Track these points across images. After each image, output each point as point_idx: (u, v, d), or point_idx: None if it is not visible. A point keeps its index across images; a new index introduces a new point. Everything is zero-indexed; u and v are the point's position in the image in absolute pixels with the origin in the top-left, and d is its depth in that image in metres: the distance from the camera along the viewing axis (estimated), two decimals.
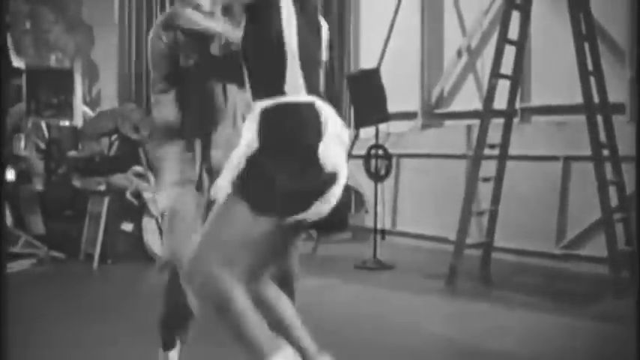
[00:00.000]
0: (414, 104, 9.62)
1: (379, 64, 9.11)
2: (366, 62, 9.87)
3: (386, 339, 5.20)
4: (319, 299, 6.58)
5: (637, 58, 6.96)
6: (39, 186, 9.48)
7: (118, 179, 8.42)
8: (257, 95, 2.77)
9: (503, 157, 7.29)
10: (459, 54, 9.28)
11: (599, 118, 6.68)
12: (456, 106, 9.40)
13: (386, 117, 8.28)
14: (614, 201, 6.67)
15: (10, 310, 6.31)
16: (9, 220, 8.97)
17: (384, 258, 8.04)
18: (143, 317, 4.28)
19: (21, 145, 10.66)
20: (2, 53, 6.79)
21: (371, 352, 4.90)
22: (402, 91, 9.16)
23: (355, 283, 7.31)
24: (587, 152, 6.64)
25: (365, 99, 8.39)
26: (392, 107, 8.27)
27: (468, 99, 9.09)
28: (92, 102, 14.83)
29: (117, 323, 5.36)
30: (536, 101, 8.34)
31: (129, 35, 13.55)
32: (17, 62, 13.93)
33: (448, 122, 9.49)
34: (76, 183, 9.01)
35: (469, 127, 8.63)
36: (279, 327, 3.06)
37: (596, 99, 6.74)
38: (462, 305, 6.30)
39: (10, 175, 9.77)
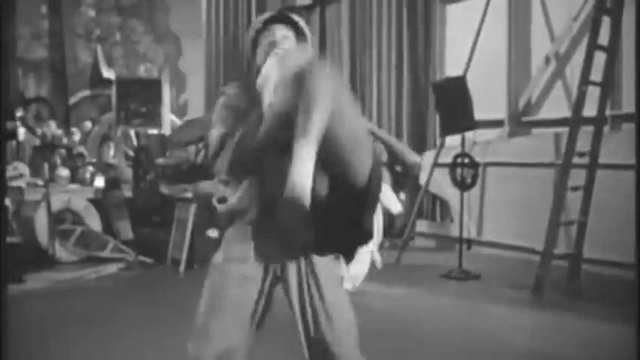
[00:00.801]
0: (500, 112, 9.49)
1: (465, 71, 9.01)
2: (452, 70, 9.77)
3: (469, 349, 5.13)
4: (404, 308, 6.54)
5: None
6: (128, 192, 9.68)
7: (205, 186, 8.51)
8: None
9: (592, 166, 7.12)
10: (547, 60, 9.11)
11: None
12: (544, 113, 9.23)
13: (472, 125, 8.19)
14: None
15: (98, 312, 6.46)
16: (99, 225, 9.19)
17: (469, 268, 7.93)
18: None
19: (110, 153, 10.91)
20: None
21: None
22: (488, 99, 9.04)
23: (440, 292, 7.23)
24: None
25: (451, 107, 8.31)
26: (478, 115, 8.17)
27: (557, 106, 8.92)
28: (179, 111, 15.11)
29: None
30: (627, 108, 8.11)
31: (216, 46, 13.74)
32: (107, 73, 14.28)
33: (536, 130, 9.32)
34: (164, 190, 9.17)
35: (557, 135, 8.45)
36: None
37: None
38: (548, 317, 6.16)
39: (100, 182, 10.02)
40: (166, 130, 11.14)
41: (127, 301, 6.94)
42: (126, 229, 9.38)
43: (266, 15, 3.09)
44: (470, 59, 9.22)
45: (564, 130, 7.48)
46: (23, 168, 9.25)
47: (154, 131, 11.00)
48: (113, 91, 10.78)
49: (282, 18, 3.09)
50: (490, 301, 6.69)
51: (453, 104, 8.26)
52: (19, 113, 11.52)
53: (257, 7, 13.10)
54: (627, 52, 7.86)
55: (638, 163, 5.79)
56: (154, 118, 10.42)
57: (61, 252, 8.78)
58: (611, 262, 7.76)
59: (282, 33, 3.06)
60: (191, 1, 14.88)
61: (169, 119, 10.69)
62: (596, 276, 7.64)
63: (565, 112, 8.34)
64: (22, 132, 9.48)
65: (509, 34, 9.44)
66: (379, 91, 11.47)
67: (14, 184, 8.96)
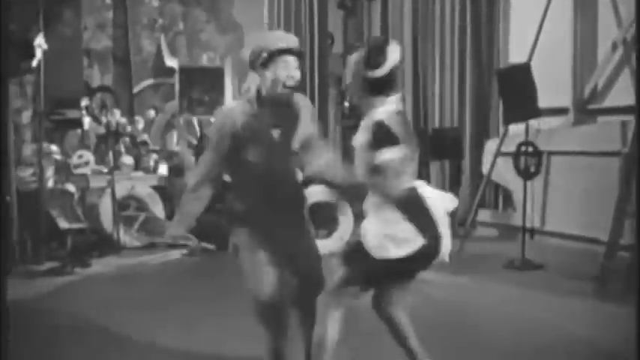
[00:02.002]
0: (565, 99, 9.32)
1: (530, 58, 8.87)
2: (517, 57, 9.64)
3: (530, 339, 5.08)
4: (465, 297, 6.49)
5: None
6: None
7: None
8: None
9: None
10: (614, 47, 8.91)
11: None
12: (611, 101, 9.03)
13: (536, 113, 8.07)
14: None
15: (161, 296, 6.53)
16: (162, 212, 9.30)
17: (532, 257, 7.82)
18: None
19: (173, 141, 11.03)
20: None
21: (514, 351, 4.79)
22: (553, 86, 8.88)
23: (502, 282, 7.15)
24: None
25: (515, 94, 8.20)
26: (542, 103, 8.04)
27: (623, 94, 8.71)
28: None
29: None
30: None
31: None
32: (170, 62, 14.43)
33: (602, 118, 9.14)
34: (227, 177, 9.22)
35: (624, 123, 8.26)
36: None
37: None
38: (611, 308, 6.04)
39: (163, 169, 10.14)
40: None
41: (189, 286, 7.01)
42: None
43: (283, 44, 3.58)
44: (534, 46, 9.06)
45: (631, 118, 7.33)
46: (88, 155, 9.40)
47: None
48: (176, 80, 10.88)
49: (298, 53, 3.64)
50: (552, 292, 6.59)
51: (517, 92, 8.15)
52: (84, 102, 11.71)
53: None
54: None
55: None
56: (217, 106, 10.47)
57: (125, 238, 8.92)
58: None
59: (295, 65, 3.61)
60: None
61: None
62: None
63: (632, 99, 8.14)
64: (87, 121, 9.63)
65: (574, 19, 9.27)
66: (442, 79, 11.37)
67: (80, 171, 9.10)
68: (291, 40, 3.67)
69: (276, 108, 3.63)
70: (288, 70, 3.56)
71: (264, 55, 3.54)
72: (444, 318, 5.78)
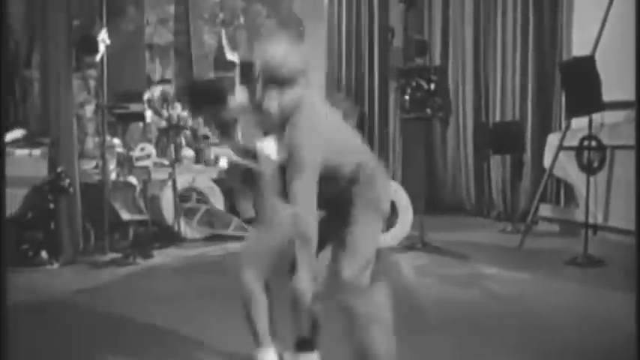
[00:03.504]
0: (630, 92, 9.09)
1: (594, 50, 8.71)
2: (580, 49, 9.47)
3: (590, 338, 5.00)
4: (526, 293, 6.42)
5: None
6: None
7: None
8: None
9: None
10: None
11: None
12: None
13: (600, 106, 7.92)
14: None
15: (221, 287, 6.58)
16: (222, 204, 9.39)
17: (594, 254, 7.69)
18: None
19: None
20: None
21: (575, 348, 4.73)
22: (617, 79, 8.70)
23: (563, 278, 7.06)
24: None
25: (578, 88, 8.07)
26: (606, 96, 7.89)
27: None
28: None
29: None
30: None
31: (338, 29, 13.76)
32: (231, 56, 14.51)
33: None
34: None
35: None
36: None
37: None
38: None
39: (223, 162, 10.20)
40: None
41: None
42: (248, 208, 9.54)
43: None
44: (598, 38, 8.90)
45: None
46: (150, 148, 9.52)
47: None
48: (237, 74, 10.94)
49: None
50: (614, 289, 6.47)
51: (580, 85, 8.01)
52: (146, 96, 11.85)
53: None
54: None
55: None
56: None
57: (186, 229, 9.02)
58: None
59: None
60: None
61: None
62: None
63: None
64: (148, 114, 9.74)
65: (638, 11, 9.06)
66: (504, 72, 11.26)
67: (141, 164, 9.22)
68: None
69: None
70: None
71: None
72: (504, 313, 5.73)
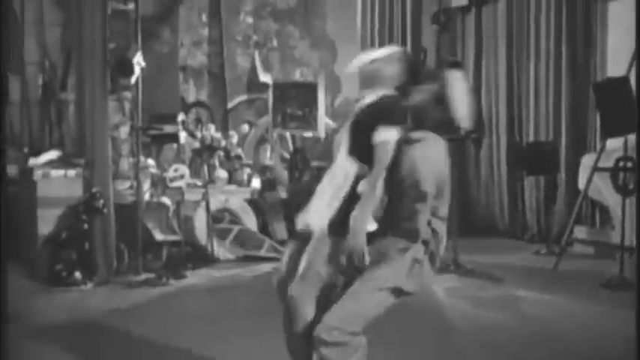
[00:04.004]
0: None
1: (628, 71, 8.64)
2: (615, 70, 9.40)
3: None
4: (561, 316, 6.36)
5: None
6: (283, 194, 9.86)
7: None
8: None
9: None
10: None
11: None
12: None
13: (635, 127, 7.85)
14: None
15: (253, 308, 6.58)
16: (255, 225, 9.42)
17: (630, 277, 7.59)
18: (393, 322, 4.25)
19: (267, 155, 11.15)
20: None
21: None
22: None
23: (599, 301, 6.98)
24: None
25: (613, 108, 8.01)
26: None
27: None
28: (334, 114, 15.24)
29: None
30: None
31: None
32: (264, 77, 14.59)
33: None
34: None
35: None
36: None
37: None
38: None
39: (256, 183, 10.25)
40: (321, 133, 11.27)
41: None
42: (281, 230, 9.57)
43: None
44: (633, 58, 8.84)
45: None
46: (183, 169, 9.58)
47: (309, 134, 11.14)
48: (270, 95, 11.00)
49: None
50: None
51: (615, 105, 7.95)
52: (180, 117, 11.93)
53: (412, 11, 13.06)
54: None
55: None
56: (310, 122, 10.53)
57: (219, 250, 9.04)
58: None
59: None
60: (347, 7, 14.98)
61: (324, 122, 10.80)
62: None
63: None
64: (182, 135, 9.81)
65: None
66: (537, 92, 11.20)
67: (175, 184, 9.28)
68: None
69: None
70: None
71: None
72: (537, 337, 5.67)
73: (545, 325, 6.05)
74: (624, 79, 8.13)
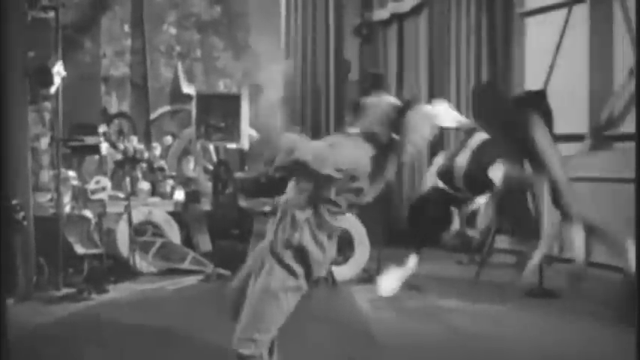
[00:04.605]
0: (582, 126, 9.30)
1: (546, 84, 8.87)
2: (532, 83, 9.63)
3: None
4: (483, 325, 6.45)
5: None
6: (207, 206, 9.80)
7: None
8: None
9: None
10: (631, 73, 8.90)
11: None
12: (628, 127, 9.00)
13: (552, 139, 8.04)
14: None
15: (177, 322, 6.53)
16: (178, 238, 9.33)
17: (550, 285, 7.76)
18: (313, 334, 4.28)
19: (190, 167, 11.07)
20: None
21: None
22: (569, 113, 8.87)
23: (521, 310, 7.11)
24: None
25: None
26: (559, 129, 8.02)
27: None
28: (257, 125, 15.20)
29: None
30: None
31: (294, 60, 13.84)
32: (187, 89, 14.50)
33: (618, 144, 9.11)
34: (243, 203, 9.25)
35: None
36: None
37: None
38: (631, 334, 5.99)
39: (180, 195, 10.16)
40: (245, 145, 11.25)
41: (205, 312, 7.00)
42: (205, 242, 9.50)
43: None
44: (550, 72, 9.08)
45: None
46: (105, 181, 9.43)
47: (232, 145, 11.11)
48: (193, 107, 10.94)
49: None
50: (572, 320, 6.54)
51: None
52: (101, 129, 11.76)
53: (335, 24, 13.15)
54: None
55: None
56: (233, 133, 10.51)
57: (142, 263, 8.92)
58: None
59: None
60: (271, 19, 15.01)
61: (248, 133, 10.79)
62: None
63: None
64: (104, 147, 9.68)
65: (590, 46, 9.26)
66: (458, 105, 11.37)
67: (97, 197, 9.13)
68: None
69: None
70: None
71: None
72: (459, 345, 5.75)
73: (467, 334, 6.13)
74: (541, 93, 8.33)
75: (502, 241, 10.19)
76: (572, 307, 7.10)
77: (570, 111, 9.00)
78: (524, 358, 5.36)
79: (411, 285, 8.15)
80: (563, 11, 9.24)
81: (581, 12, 9.20)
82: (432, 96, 11.85)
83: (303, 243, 3.56)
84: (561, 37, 9.13)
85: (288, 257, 3.57)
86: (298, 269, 3.59)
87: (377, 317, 6.82)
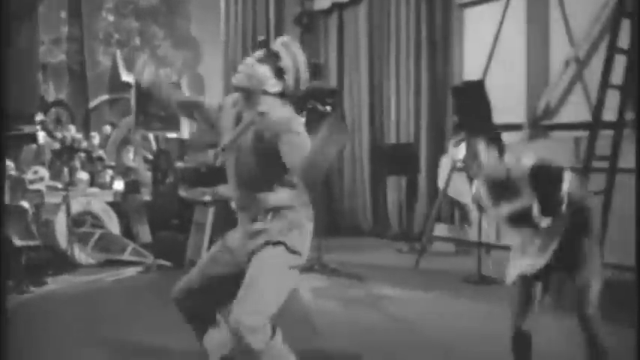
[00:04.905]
0: (519, 116, 9.45)
1: (484, 75, 8.98)
2: (471, 74, 9.74)
3: (491, 353, 5.11)
4: (423, 313, 6.52)
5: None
6: (147, 196, 9.72)
7: (224, 190, 8.54)
8: None
9: (612, 170, 7.07)
10: (567, 64, 9.08)
11: None
12: (564, 117, 9.18)
13: (491, 129, 8.14)
14: None
15: (116, 314, 6.48)
16: (118, 228, 9.24)
17: (488, 272, 7.89)
18: None
19: (129, 157, 10.97)
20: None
21: None
22: (507, 103, 9.00)
23: (459, 297, 7.20)
24: None
25: (469, 111, 8.27)
26: (497, 119, 8.14)
27: (576, 110, 8.87)
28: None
29: None
30: None
31: (234, 50, 13.79)
32: (126, 77, 14.35)
33: (555, 134, 9.28)
34: (183, 193, 9.21)
35: (577, 139, 8.39)
36: None
37: None
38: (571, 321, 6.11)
39: (119, 185, 10.06)
40: (185, 134, 11.18)
41: (145, 303, 6.95)
42: (145, 233, 9.42)
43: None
44: (488, 63, 9.19)
45: (584, 134, 7.44)
46: (43, 171, 9.30)
47: (173, 135, 11.04)
48: (132, 95, 10.83)
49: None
50: (507, 305, 6.64)
51: (472, 108, 8.23)
52: (39, 117, 11.58)
53: (275, 13, 13.14)
54: None
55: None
56: (173, 122, 10.44)
57: (81, 255, 8.82)
58: (629, 267, 7.72)
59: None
60: (211, 8, 14.92)
61: (188, 123, 10.73)
62: (613, 281, 7.62)
63: (585, 115, 8.29)
64: (42, 136, 9.54)
65: (527, 37, 9.40)
66: (398, 95, 11.46)
67: (34, 187, 9.00)
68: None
69: None
70: None
71: None
72: (401, 333, 5.80)
73: (407, 322, 6.20)
74: (480, 83, 8.44)
75: (441, 229, 10.32)
76: (507, 294, 7.21)
77: (508, 101, 9.14)
78: (459, 343, 5.42)
79: (352, 274, 8.22)
80: (502, 2, 9.34)
81: (518, 3, 9.33)
82: (371, 85, 11.93)
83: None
84: (499, 28, 9.24)
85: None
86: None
87: (318, 306, 6.85)
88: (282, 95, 3.64)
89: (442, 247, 10.24)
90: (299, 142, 3.37)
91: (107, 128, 12.76)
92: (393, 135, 11.55)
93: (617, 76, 6.98)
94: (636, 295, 5.57)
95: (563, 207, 3.84)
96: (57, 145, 10.25)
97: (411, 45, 11.19)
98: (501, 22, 9.22)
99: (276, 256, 3.55)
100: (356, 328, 5.96)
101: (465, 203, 9.82)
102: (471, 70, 9.99)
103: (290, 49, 3.66)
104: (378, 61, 11.90)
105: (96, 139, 11.56)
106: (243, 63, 3.64)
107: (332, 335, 5.74)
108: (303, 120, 3.77)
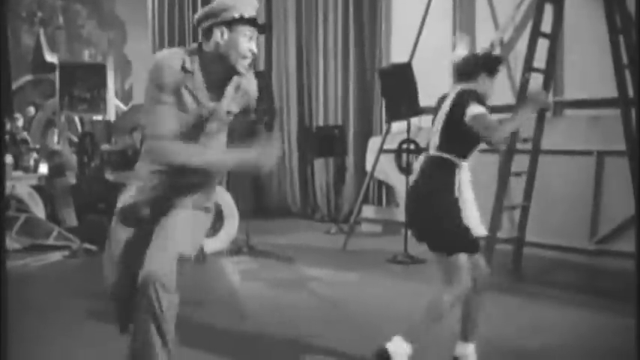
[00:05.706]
0: None
1: (411, 57, 9.06)
2: (399, 57, 9.82)
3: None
4: (352, 293, 6.58)
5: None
6: (72, 179, 9.58)
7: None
8: None
9: (535, 152, 7.23)
10: (491, 47, 9.20)
11: (634, 113, 6.58)
12: (489, 100, 9.30)
13: (418, 111, 8.25)
14: None
15: (41, 300, 6.39)
16: (43, 213, 9.09)
17: (415, 252, 7.99)
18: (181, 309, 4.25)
19: (54, 139, 10.79)
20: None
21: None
22: (434, 85, 9.08)
23: (387, 277, 7.29)
24: (622, 147, 6.56)
25: (397, 93, 8.36)
26: (424, 101, 8.22)
27: (501, 93, 8.95)
28: (124, 96, 14.94)
29: None
30: (569, 95, 8.27)
31: (160, 31, 13.63)
32: (50, 57, 14.08)
33: None
34: (109, 176, 9.09)
35: (501, 121, 8.51)
36: None
37: (631, 93, 6.63)
38: (493, 301, 6.23)
39: (44, 168, 9.90)
40: (111, 116, 11.04)
41: (71, 288, 6.87)
42: (70, 217, 9.30)
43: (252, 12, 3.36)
44: (415, 45, 9.27)
45: (508, 116, 7.56)
46: None
47: (98, 117, 10.88)
48: (56, 76, 10.64)
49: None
50: (436, 285, 6.75)
51: (399, 90, 8.30)
52: None
53: None
54: (569, 39, 8.01)
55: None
56: (99, 104, 10.31)
57: (5, 240, 8.64)
58: (554, 246, 7.92)
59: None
60: None
61: (114, 105, 10.59)
62: (542, 259, 7.82)
63: (509, 98, 8.44)
64: None
65: (453, 20, 9.53)
66: (326, 77, 11.50)
67: None
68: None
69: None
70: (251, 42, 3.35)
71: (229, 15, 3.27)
72: (329, 313, 5.85)
73: (336, 303, 6.25)
74: (407, 65, 8.51)
75: (369, 211, 10.42)
76: (434, 273, 7.32)
77: (435, 83, 9.22)
78: (385, 321, 5.49)
79: (281, 256, 8.26)
80: None
81: None
82: (299, 68, 11.93)
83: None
84: (426, 11, 9.32)
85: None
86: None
87: (246, 288, 6.87)
88: None
89: (370, 228, 10.35)
90: None
91: (31, 110, 12.52)
92: (322, 117, 11.58)
93: (541, 59, 7.11)
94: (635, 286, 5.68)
95: None
96: None
97: (339, 27, 11.23)
98: (428, 5, 9.30)
99: None
100: (285, 311, 5.99)
101: (392, 185, 9.93)
102: (399, 53, 10.07)
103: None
104: (305, 44, 11.91)
105: (19, 121, 11.33)
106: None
107: (260, 317, 5.76)
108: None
